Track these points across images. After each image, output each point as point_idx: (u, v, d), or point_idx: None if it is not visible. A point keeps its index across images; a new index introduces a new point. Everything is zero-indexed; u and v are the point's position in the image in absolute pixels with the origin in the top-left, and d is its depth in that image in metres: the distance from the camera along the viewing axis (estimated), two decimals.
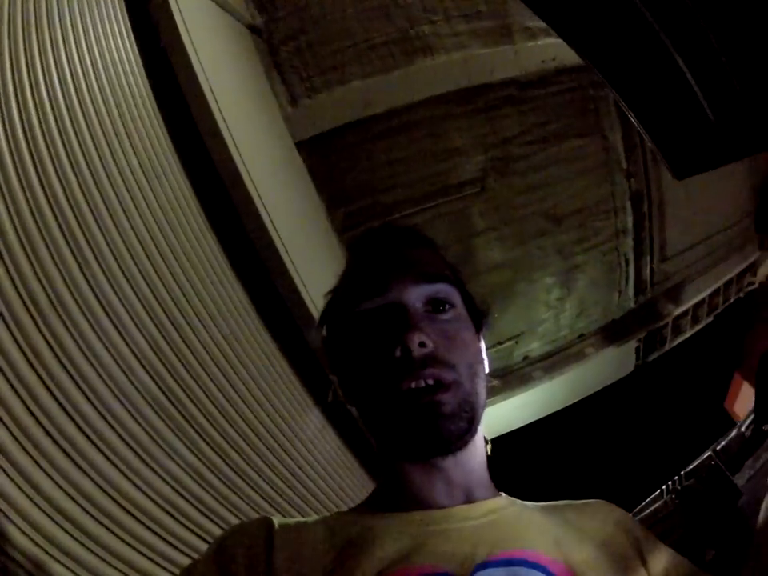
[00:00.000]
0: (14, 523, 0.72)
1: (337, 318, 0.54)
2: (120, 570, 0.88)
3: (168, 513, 1.02)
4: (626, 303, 3.81)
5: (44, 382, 0.87)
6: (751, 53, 1.09)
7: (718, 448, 1.99)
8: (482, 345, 0.54)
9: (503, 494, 0.53)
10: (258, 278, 1.83)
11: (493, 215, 2.94)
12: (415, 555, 0.43)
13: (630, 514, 0.54)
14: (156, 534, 0.98)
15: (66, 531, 0.80)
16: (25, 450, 0.80)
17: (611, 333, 3.66)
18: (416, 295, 0.49)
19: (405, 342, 0.46)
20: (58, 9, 1.28)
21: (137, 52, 1.62)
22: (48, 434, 0.85)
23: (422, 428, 0.45)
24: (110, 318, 1.06)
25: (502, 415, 3.12)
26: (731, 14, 1.04)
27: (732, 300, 5.44)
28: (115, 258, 1.15)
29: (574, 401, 3.48)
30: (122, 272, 1.16)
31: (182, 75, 1.68)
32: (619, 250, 3.66)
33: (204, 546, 0.99)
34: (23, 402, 0.83)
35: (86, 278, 1.03)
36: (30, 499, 0.77)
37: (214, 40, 2.12)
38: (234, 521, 1.17)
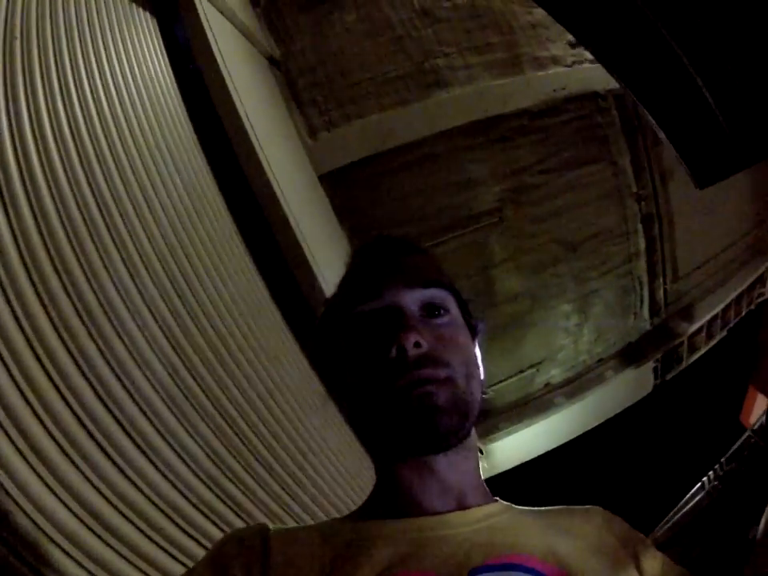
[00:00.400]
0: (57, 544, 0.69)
1: (333, 322, 0.54)
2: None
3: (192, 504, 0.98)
4: (642, 325, 3.82)
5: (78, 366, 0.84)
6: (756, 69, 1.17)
7: (755, 428, 1.99)
8: (478, 351, 0.54)
9: (498, 500, 0.53)
10: (288, 294, 1.83)
11: (510, 245, 2.98)
12: (409, 562, 0.43)
13: (624, 521, 0.53)
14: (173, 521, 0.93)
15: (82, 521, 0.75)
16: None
17: (629, 355, 3.67)
18: (412, 299, 0.50)
19: (400, 341, 0.46)
20: (90, 28, 1.30)
21: (170, 72, 1.66)
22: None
23: (415, 420, 0.45)
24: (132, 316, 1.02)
25: (524, 443, 3.11)
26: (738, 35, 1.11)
27: (744, 313, 5.47)
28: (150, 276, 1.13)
29: (596, 424, 3.46)
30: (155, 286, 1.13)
31: (217, 97, 1.71)
32: (633, 273, 3.68)
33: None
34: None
35: (119, 294, 1.00)
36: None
37: (241, 65, 2.17)
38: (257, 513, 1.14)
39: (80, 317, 0.88)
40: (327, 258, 2.11)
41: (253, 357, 1.43)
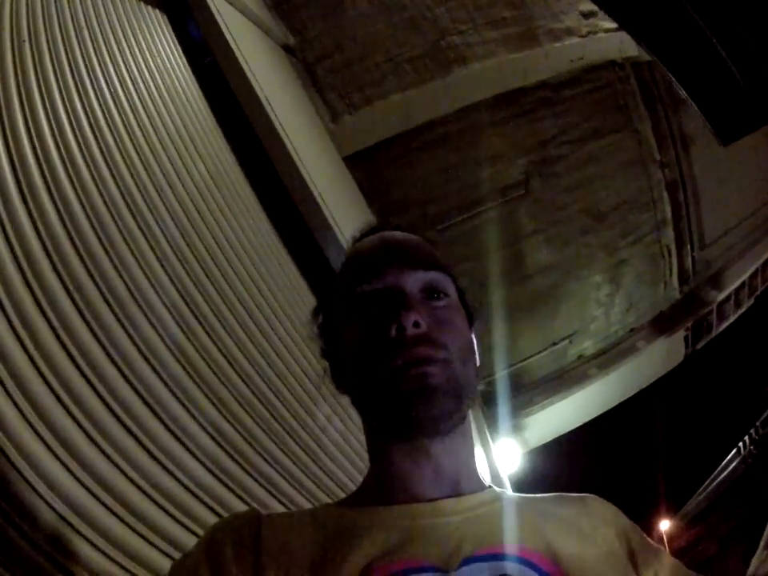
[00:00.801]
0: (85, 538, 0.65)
1: (334, 302, 0.55)
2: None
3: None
4: (672, 294, 3.79)
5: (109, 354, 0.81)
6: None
7: None
8: (474, 340, 0.54)
9: (492, 487, 0.52)
10: (318, 272, 1.81)
11: (538, 217, 2.96)
12: (402, 549, 0.43)
13: (622, 512, 0.52)
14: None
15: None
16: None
17: (660, 325, 3.64)
18: (413, 281, 0.50)
19: (400, 320, 0.46)
20: (100, 27, 1.29)
21: (186, 64, 1.65)
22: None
23: (410, 400, 0.45)
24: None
25: (560, 416, 3.11)
26: None
27: None
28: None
29: (630, 395, 3.45)
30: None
31: (237, 86, 1.71)
32: (661, 241, 3.64)
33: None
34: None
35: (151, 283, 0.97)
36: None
37: (257, 55, 2.17)
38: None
39: (107, 302, 0.86)
40: None
41: (284, 334, 1.42)
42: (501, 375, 2.86)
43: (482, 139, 2.91)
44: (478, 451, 2.53)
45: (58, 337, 0.74)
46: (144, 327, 0.92)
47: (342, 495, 0.57)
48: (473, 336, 0.54)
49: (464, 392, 0.48)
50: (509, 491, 0.54)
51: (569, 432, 3.27)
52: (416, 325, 0.46)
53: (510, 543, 0.44)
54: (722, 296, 4.44)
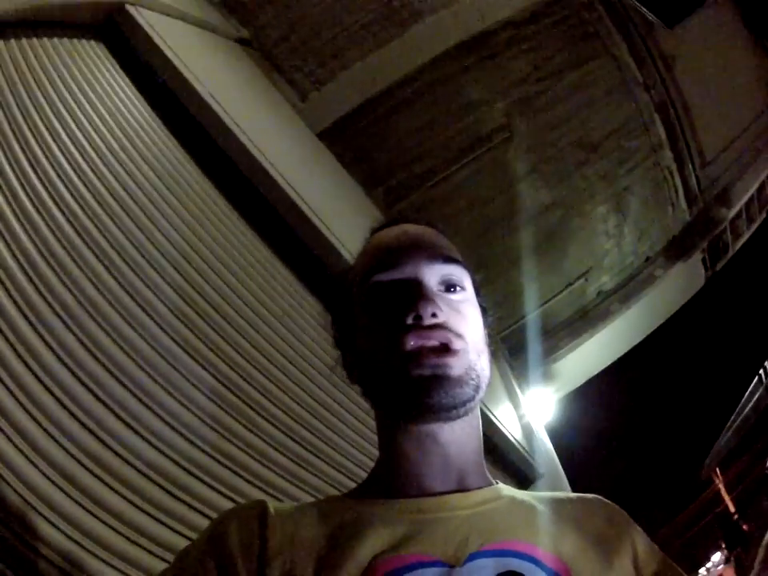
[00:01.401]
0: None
1: (351, 290, 0.54)
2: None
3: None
4: (682, 216, 3.64)
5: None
6: None
7: None
8: (487, 335, 0.54)
9: (498, 483, 0.52)
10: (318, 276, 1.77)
11: (529, 157, 2.84)
12: (408, 543, 0.43)
13: (626, 513, 0.52)
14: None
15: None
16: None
17: (675, 250, 3.50)
18: (431, 273, 0.50)
19: (418, 309, 0.46)
20: (46, 75, 1.24)
21: (134, 91, 1.55)
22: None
23: (426, 386, 0.45)
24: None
25: (588, 356, 2.99)
26: None
27: None
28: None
29: (656, 326, 3.32)
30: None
31: (192, 105, 1.61)
32: (660, 163, 3.50)
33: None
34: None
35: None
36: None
37: (204, 59, 2.09)
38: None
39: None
40: (344, 218, 2.04)
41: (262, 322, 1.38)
42: (522, 324, 2.75)
43: (454, 89, 2.80)
44: (507, 407, 2.43)
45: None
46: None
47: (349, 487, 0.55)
48: (485, 333, 0.54)
49: (480, 383, 0.48)
50: (514, 488, 0.53)
51: (600, 374, 3.14)
52: (433, 315, 0.47)
53: (517, 540, 0.44)
54: (732, 213, 4.30)
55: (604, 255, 3.13)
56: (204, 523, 0.83)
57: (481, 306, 0.54)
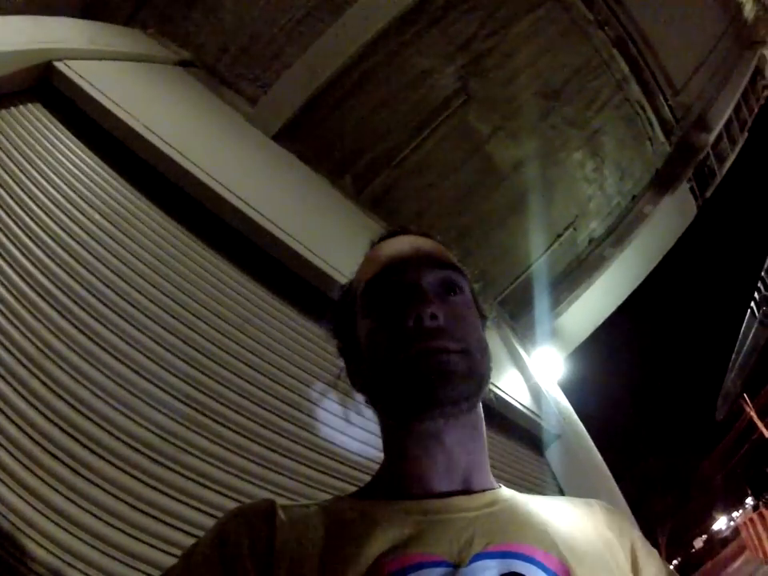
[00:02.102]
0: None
1: (352, 301, 0.55)
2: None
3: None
4: (662, 149, 3.54)
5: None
6: None
7: None
8: (486, 338, 0.55)
9: (502, 486, 0.53)
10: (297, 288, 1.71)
11: (491, 116, 2.76)
12: (414, 543, 0.43)
13: (627, 517, 0.53)
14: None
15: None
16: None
17: (661, 183, 3.40)
18: (430, 277, 0.52)
19: (418, 311, 0.47)
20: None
21: (85, 150, 1.51)
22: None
23: (431, 380, 0.46)
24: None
25: (590, 306, 2.89)
26: None
27: (756, 110, 5.18)
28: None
29: (654, 264, 3.21)
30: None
31: (130, 141, 1.57)
32: (629, 99, 3.40)
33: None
34: None
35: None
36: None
37: (142, 93, 2.03)
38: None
39: None
40: (308, 218, 2.00)
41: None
42: (517, 285, 2.66)
43: (401, 64, 2.73)
44: (512, 373, 2.35)
45: None
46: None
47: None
48: (485, 335, 0.55)
49: (481, 379, 0.49)
50: (516, 492, 0.53)
51: (605, 327, 3.04)
52: (433, 317, 0.48)
53: (520, 542, 0.44)
54: (713, 136, 4.20)
55: (588, 201, 3.03)
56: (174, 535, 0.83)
57: (479, 311, 0.56)
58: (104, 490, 0.84)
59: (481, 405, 0.52)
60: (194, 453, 0.99)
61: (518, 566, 0.42)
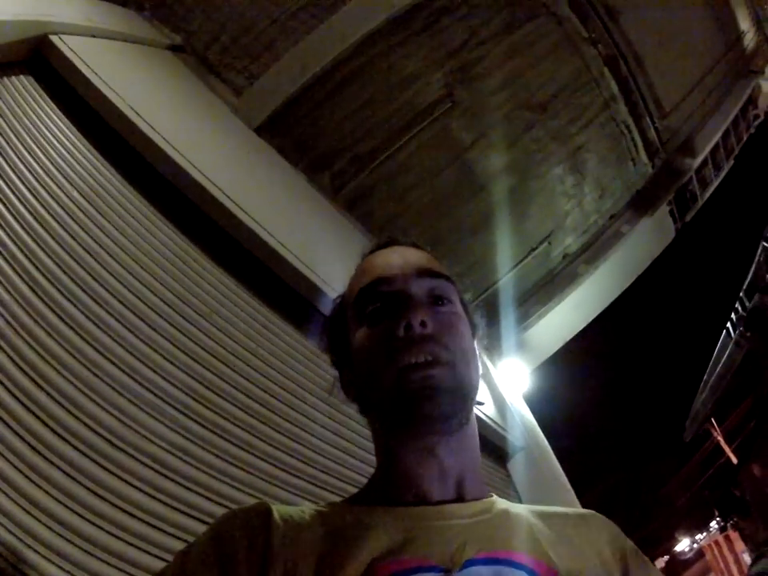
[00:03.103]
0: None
1: (344, 313, 0.56)
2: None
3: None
4: (644, 170, 3.58)
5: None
6: None
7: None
8: (477, 348, 0.56)
9: (494, 495, 0.53)
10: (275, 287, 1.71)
11: (474, 124, 2.76)
12: (407, 548, 0.44)
13: (619, 529, 0.53)
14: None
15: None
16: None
17: (640, 204, 3.43)
18: (419, 286, 0.53)
19: (408, 320, 0.48)
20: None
21: (68, 122, 1.49)
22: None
23: (416, 398, 0.47)
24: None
25: (560, 321, 2.92)
26: None
27: (745, 138, 5.23)
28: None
29: (627, 284, 3.24)
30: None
31: (114, 120, 1.55)
32: (616, 118, 3.43)
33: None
34: None
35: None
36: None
37: (130, 75, 2.01)
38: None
39: None
40: (283, 213, 1.99)
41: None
42: (487, 295, 2.67)
43: (389, 66, 2.72)
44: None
45: None
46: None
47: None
48: (475, 345, 0.56)
49: (469, 391, 0.50)
50: (512, 502, 0.54)
51: (575, 342, 3.06)
52: (423, 324, 0.48)
53: (512, 549, 0.45)
54: (697, 162, 4.24)
55: (566, 216, 3.06)
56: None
57: (470, 319, 0.57)
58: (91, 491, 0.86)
59: (474, 417, 0.53)
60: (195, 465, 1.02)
61: (509, 572, 0.43)
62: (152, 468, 0.97)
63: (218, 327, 1.41)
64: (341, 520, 0.47)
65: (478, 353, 0.55)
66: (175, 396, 1.11)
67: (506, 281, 2.80)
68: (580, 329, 3.05)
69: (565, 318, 2.91)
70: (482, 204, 2.67)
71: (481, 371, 0.55)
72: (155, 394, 1.08)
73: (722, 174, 4.76)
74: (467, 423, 0.51)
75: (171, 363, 1.17)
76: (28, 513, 0.77)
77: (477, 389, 0.52)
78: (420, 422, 0.47)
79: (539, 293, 2.92)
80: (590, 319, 3.08)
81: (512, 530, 0.48)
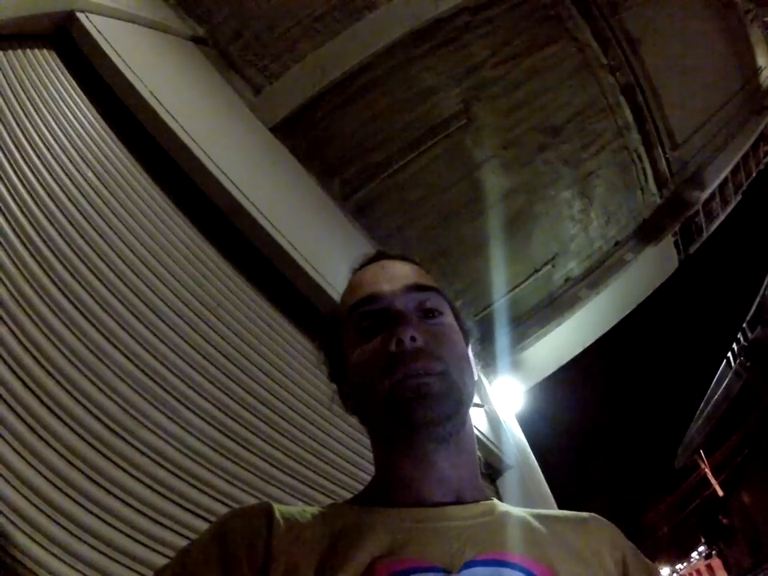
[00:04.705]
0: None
1: (338, 328, 0.58)
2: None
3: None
4: (652, 200, 3.60)
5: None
6: None
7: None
8: (471, 354, 0.57)
9: (494, 499, 0.54)
10: (279, 286, 1.72)
11: (488, 142, 2.79)
12: (407, 549, 0.44)
13: (619, 531, 0.54)
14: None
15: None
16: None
17: (645, 233, 3.45)
18: (409, 301, 0.54)
19: (399, 335, 0.49)
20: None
21: (88, 103, 1.51)
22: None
23: (409, 404, 0.47)
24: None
25: (558, 344, 2.93)
26: None
27: (755, 174, 5.25)
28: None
29: (627, 311, 3.26)
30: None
31: (133, 104, 1.57)
32: (628, 147, 3.45)
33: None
34: None
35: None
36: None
37: (152, 61, 2.03)
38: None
39: None
40: (296, 215, 2.01)
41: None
42: (488, 313, 2.69)
43: (409, 77, 2.75)
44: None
45: None
46: None
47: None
48: (469, 351, 0.56)
49: (463, 396, 0.50)
50: (510, 505, 0.54)
51: (572, 365, 3.08)
52: (413, 339, 0.49)
53: (510, 552, 0.45)
54: (705, 195, 4.26)
55: (570, 240, 3.08)
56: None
57: (462, 328, 0.57)
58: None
59: (470, 422, 0.54)
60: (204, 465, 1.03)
61: (508, 574, 0.43)
62: (148, 456, 0.97)
63: (224, 322, 1.42)
64: (342, 520, 0.48)
65: (471, 359, 0.56)
66: (176, 386, 1.12)
67: (507, 300, 2.82)
68: (577, 353, 3.07)
69: (563, 341, 2.92)
70: (488, 222, 2.70)
71: (476, 377, 0.55)
72: (156, 382, 1.08)
73: (729, 208, 4.78)
74: (462, 428, 0.51)
75: (174, 352, 1.17)
76: (18, 491, 0.76)
77: (471, 395, 0.52)
78: (415, 429, 0.48)
79: (539, 314, 2.94)
80: (588, 344, 3.10)
81: (512, 532, 0.48)
